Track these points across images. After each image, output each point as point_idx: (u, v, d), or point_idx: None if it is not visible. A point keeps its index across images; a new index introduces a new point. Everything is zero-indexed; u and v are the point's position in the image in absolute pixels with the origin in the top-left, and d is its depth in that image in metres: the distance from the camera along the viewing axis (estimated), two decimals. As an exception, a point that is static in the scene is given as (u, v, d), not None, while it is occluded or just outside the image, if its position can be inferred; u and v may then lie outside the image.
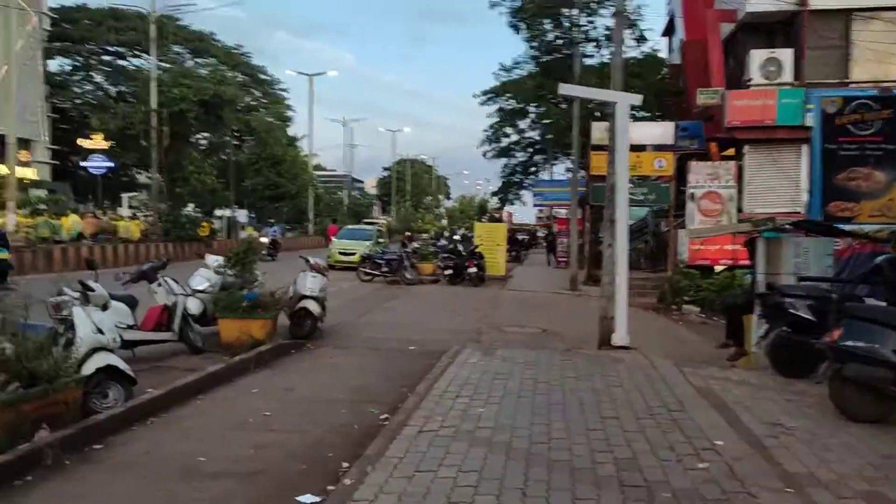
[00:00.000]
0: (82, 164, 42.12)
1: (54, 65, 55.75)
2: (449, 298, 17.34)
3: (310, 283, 10.37)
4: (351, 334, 11.09)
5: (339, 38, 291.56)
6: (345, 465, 4.84)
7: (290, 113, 65.80)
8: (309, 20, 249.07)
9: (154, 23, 27.33)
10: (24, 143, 47.25)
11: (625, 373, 7.47)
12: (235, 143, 45.54)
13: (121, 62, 54.85)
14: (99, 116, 31.47)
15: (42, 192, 45.77)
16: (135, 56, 53.53)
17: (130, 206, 39.54)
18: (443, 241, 27.75)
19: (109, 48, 54.87)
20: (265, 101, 62.16)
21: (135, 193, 44.27)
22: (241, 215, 50.82)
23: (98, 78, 56.73)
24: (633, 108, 11.48)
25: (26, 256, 18.40)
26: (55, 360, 5.27)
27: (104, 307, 6.39)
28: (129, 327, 8.20)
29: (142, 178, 45.22)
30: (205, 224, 28.54)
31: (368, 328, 11.94)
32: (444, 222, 70.16)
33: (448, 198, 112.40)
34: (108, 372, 6.07)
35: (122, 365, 6.15)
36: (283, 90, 67.73)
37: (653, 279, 17.92)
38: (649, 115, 24.70)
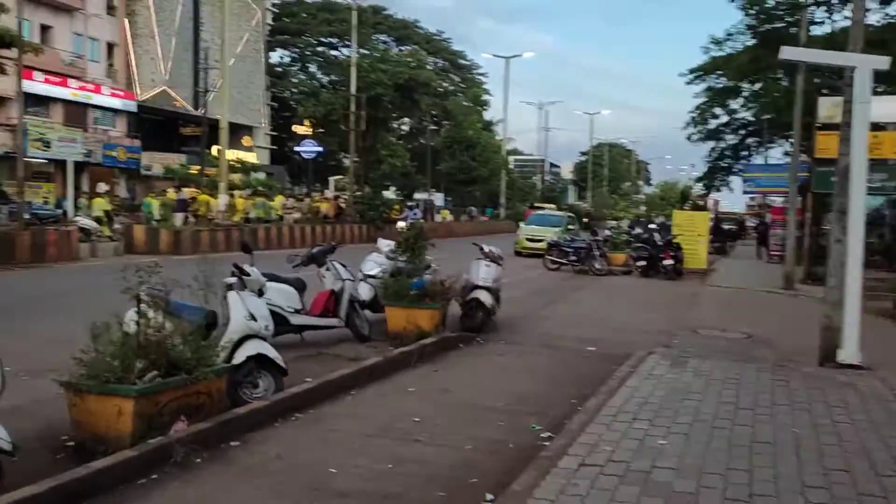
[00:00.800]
0: (296, 148, 45.27)
1: (275, 57, 60.64)
2: (640, 292, 15.96)
3: (483, 273, 9.71)
4: (526, 329, 10.30)
5: (541, 21, 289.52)
6: (488, 497, 4.07)
7: (486, 97, 66.37)
8: (512, 5, 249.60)
9: (355, 10, 28.29)
10: (248, 130, 51.93)
11: (857, 403, 5.96)
12: (433, 127, 46.46)
13: (333, 52, 58.26)
14: (305, 103, 33.26)
15: (261, 175, 49.97)
16: (345, 46, 56.35)
17: (336, 189, 41.69)
18: (638, 230, 26.03)
19: (323, 39, 58.50)
20: (463, 85, 62.99)
21: (340, 176, 46.72)
22: (438, 198, 52.03)
23: (312, 68, 60.67)
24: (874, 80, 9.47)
25: (233, 234, 19.69)
26: (199, 347, 5.01)
27: (260, 293, 6.13)
28: (297, 311, 8.03)
29: (347, 161, 47.84)
30: (396, 206, 29.17)
31: (546, 323, 11.08)
32: (642, 209, 66.97)
33: (648, 184, 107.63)
34: (259, 361, 5.80)
35: (272, 354, 5.84)
36: (482, 74, 68.43)
37: (889, 280, 15.22)
38: (891, 89, 21.18)
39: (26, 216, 24.00)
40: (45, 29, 35.05)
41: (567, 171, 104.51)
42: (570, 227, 25.84)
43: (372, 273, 9.66)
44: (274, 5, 58.64)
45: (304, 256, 8.66)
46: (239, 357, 5.69)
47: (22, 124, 32.91)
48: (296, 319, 8.01)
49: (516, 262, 21.74)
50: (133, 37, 39.96)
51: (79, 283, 12.22)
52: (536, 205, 35.37)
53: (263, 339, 5.94)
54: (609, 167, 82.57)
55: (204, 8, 45.30)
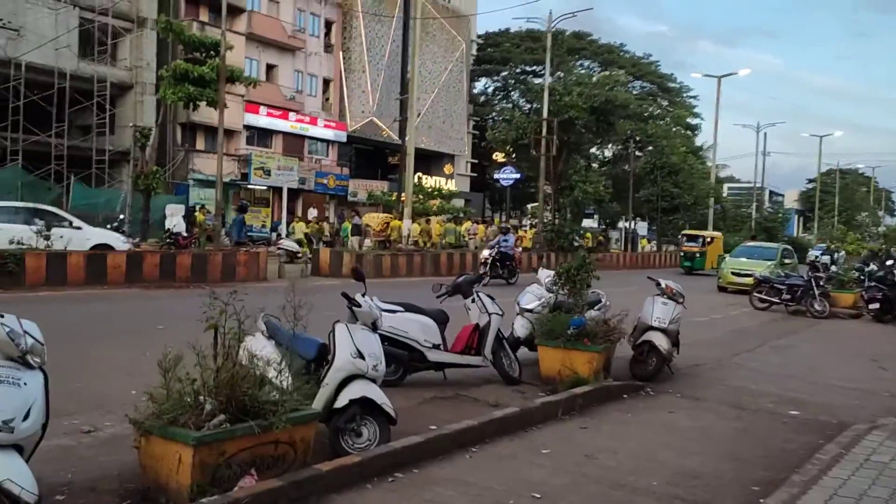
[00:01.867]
0: (495, 176, 45.44)
1: (479, 86, 61.86)
2: (870, 341, 13.30)
3: (658, 311, 8.34)
4: (711, 380, 8.69)
5: (764, 41, 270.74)
6: None
7: (696, 121, 62.44)
8: (735, 24, 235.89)
9: (549, 32, 27.58)
10: (449, 158, 53.22)
11: None
12: (637, 153, 44.33)
13: (537, 80, 58.20)
14: (494, 128, 33.08)
15: (459, 202, 50.78)
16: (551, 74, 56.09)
17: (532, 215, 41.09)
18: (872, 266, 22.36)
19: (527, 68, 58.65)
20: (671, 109, 59.81)
21: (535, 204, 46.12)
22: (641, 227, 49.40)
23: (515, 95, 60.98)
24: None
25: (415, 259, 19.63)
26: (282, 388, 4.37)
27: (374, 326, 5.42)
28: (435, 346, 7.26)
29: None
30: (588, 235, 27.76)
31: (740, 373, 9.32)
32: (880, 243, 58.83)
33: (892, 215, 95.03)
34: (365, 405, 5.06)
35: (380, 398, 5.08)
36: (693, 97, 64.60)
37: None
38: None
39: (240, 238, 25.95)
40: (270, 68, 38.31)
41: (791, 200, 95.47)
42: (785, 260, 22.84)
43: (529, 307, 8.67)
44: (479, 37, 59.93)
45: (450, 286, 7.89)
46: (341, 400, 4.99)
47: (247, 154, 36.21)
48: (434, 356, 7.25)
49: (717, 299, 19.50)
50: (346, 72, 42.50)
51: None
52: (686, 233, 32.70)
53: (372, 380, 5.20)
54: (841, 195, 73.81)
55: (412, 43, 47.15)
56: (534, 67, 57.72)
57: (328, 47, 41.87)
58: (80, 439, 5.15)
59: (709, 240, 31.17)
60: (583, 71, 42.22)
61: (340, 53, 42.35)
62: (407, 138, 23.43)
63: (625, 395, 7.47)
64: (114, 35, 31.63)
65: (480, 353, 7.49)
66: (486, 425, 5.67)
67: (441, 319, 7.44)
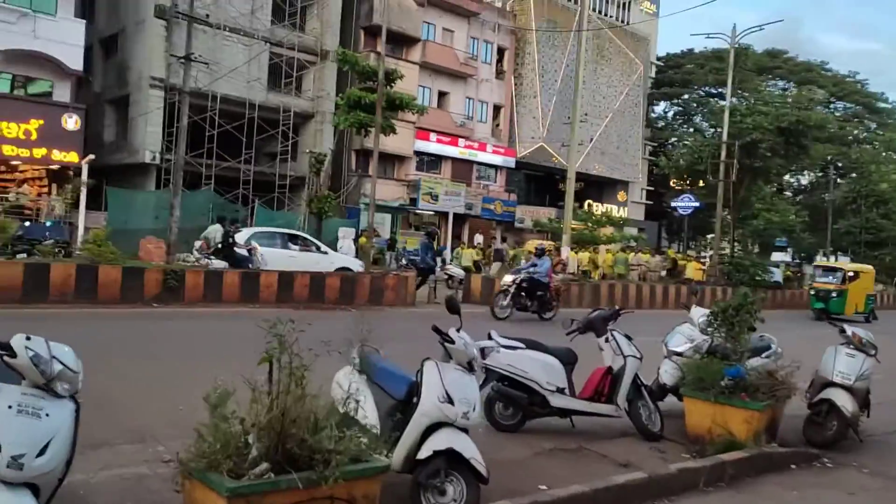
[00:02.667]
0: (672, 204, 43.03)
1: (659, 110, 59.29)
2: None
3: (841, 365, 6.87)
4: (913, 454, 7.01)
5: None
6: None
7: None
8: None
9: (732, 46, 25.42)
10: (623, 185, 51.24)
11: None
12: (839, 179, 40.09)
13: (722, 102, 54.72)
14: (668, 153, 31.07)
15: (633, 231, 48.57)
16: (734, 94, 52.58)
17: (709, 247, 38.26)
18: None
19: (712, 90, 55.38)
20: (880, 132, 53.67)
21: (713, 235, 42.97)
22: (844, 262, 44.26)
23: (697, 119, 57.76)
24: None
25: (570, 289, 18.61)
26: (335, 435, 3.77)
27: (470, 366, 4.71)
28: (559, 390, 6.38)
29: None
30: (789, 270, 25.08)
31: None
32: None
33: None
34: (452, 459, 4.35)
35: (469, 452, 4.34)
36: (908, 119, 57.53)
37: None
38: None
39: (403, 262, 26.23)
40: (441, 95, 39.00)
41: None
42: None
43: (678, 349, 7.51)
44: (659, 59, 57.54)
45: (581, 322, 6.96)
46: (425, 451, 4.32)
47: (416, 180, 36.95)
48: (557, 401, 6.37)
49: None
50: (517, 97, 42.32)
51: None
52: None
53: (463, 429, 4.48)
54: None
55: (585, 67, 46.13)
56: (719, 90, 54.38)
57: (500, 74, 41.95)
58: (145, 469, 4.87)
59: (851, 275, 23.35)
60: (776, 91, 38.71)
61: (512, 79, 42.27)
62: (569, 163, 22.46)
63: (792, 466, 6.13)
64: (299, 68, 33.70)
65: (612, 401, 6.50)
66: (601, 493, 4.73)
67: (568, 360, 6.55)
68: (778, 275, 26.43)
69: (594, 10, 47.38)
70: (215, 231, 16.42)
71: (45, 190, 27.36)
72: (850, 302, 22.97)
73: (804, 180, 52.28)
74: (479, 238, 36.65)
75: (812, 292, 23.84)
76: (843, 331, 7.14)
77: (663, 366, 7.58)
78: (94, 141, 33.91)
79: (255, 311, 12.40)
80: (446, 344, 4.65)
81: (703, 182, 28.07)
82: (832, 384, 6.86)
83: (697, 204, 36.27)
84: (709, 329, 7.26)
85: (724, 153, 24.68)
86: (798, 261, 48.04)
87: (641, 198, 53.88)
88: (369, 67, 26.51)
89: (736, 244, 25.79)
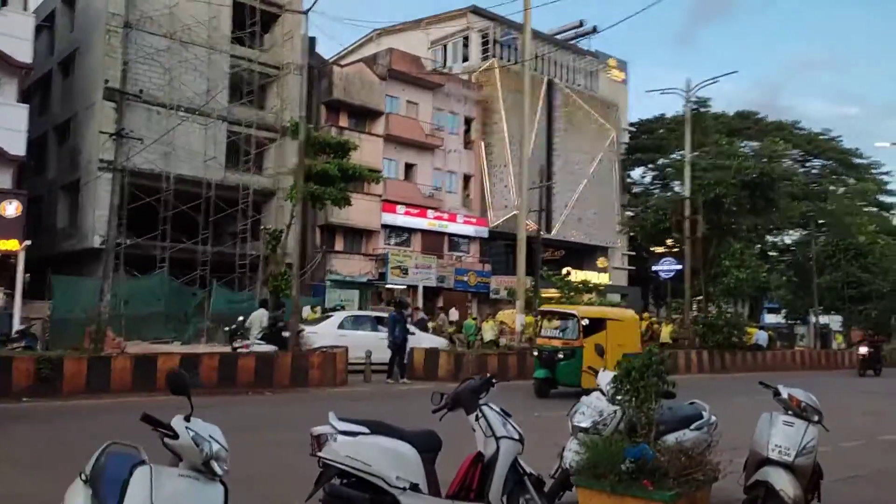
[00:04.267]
0: (654, 268, 41.94)
1: (636, 175, 58.94)
2: None
3: (777, 437, 5.53)
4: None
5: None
6: None
7: (893, 199, 54.97)
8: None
9: (686, 104, 24.81)
10: (603, 251, 50.30)
11: None
12: (820, 235, 39.19)
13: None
14: (633, 213, 30.18)
15: (615, 297, 47.27)
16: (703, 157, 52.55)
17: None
18: None
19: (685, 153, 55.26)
20: (858, 187, 53.23)
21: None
22: (835, 321, 42.69)
23: (675, 183, 57.37)
24: None
25: (529, 359, 17.16)
26: None
27: (209, 469, 3.37)
28: (413, 487, 4.99)
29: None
30: (750, 330, 23.75)
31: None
32: None
33: None
34: None
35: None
36: (885, 174, 57.26)
37: None
38: None
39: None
40: (409, 167, 38.42)
41: None
42: None
43: (584, 425, 6.17)
44: (631, 124, 57.65)
45: (449, 397, 5.62)
46: None
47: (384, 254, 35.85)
48: (409, 501, 4.97)
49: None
50: (488, 166, 41.80)
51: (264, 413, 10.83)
52: None
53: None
54: None
55: (556, 135, 46.01)
56: (694, 153, 54.25)
57: (468, 144, 41.56)
58: None
59: (586, 323, 19.06)
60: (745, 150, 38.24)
61: (483, 148, 41.85)
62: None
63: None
64: (259, 145, 33.12)
65: (484, 499, 5.10)
66: None
67: (427, 446, 5.17)
68: (762, 337, 25.05)
69: (562, 79, 47.59)
70: (260, 316, 16.34)
71: (-13, 281, 26.10)
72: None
73: (788, 239, 51.51)
74: (454, 313, 35.29)
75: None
76: (777, 393, 5.82)
77: (568, 446, 6.21)
78: (48, 229, 32.96)
79: (143, 401, 10.99)
80: (166, 440, 3.33)
81: (671, 241, 27.03)
82: (768, 461, 5.51)
83: (679, 267, 35.21)
84: (617, 398, 5.95)
85: (687, 209, 23.73)
86: (786, 322, 46.69)
87: (623, 263, 52.88)
88: (320, 138, 25.80)
89: (709, 304, 24.47)
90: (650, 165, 57.08)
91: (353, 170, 25.94)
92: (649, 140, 54.69)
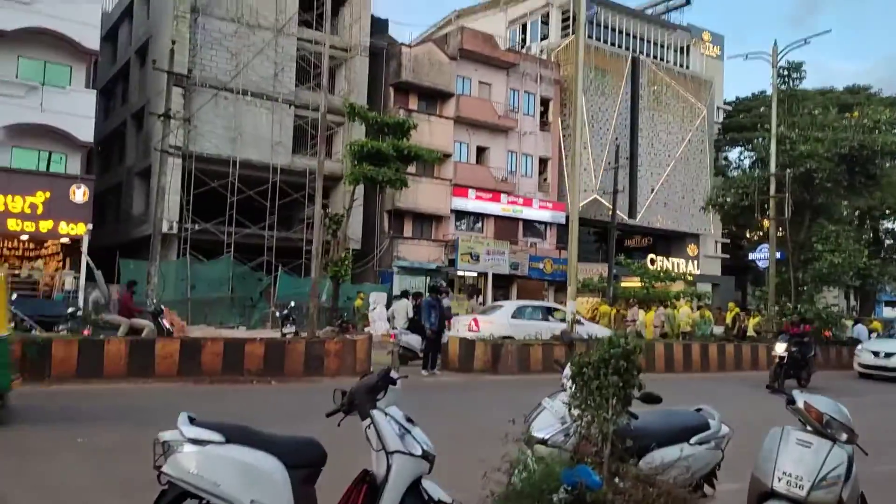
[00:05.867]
0: (751, 256, 38.84)
1: (733, 156, 55.16)
2: None
3: (787, 461, 4.03)
4: None
5: None
6: None
7: None
8: None
9: (775, 68, 22.07)
10: (693, 238, 47.21)
11: None
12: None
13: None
14: (714, 191, 27.58)
15: (706, 287, 44.34)
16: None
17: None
18: None
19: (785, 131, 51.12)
20: None
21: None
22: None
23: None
24: None
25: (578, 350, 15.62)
26: None
27: None
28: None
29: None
30: (846, 322, 21.10)
31: None
32: None
33: None
34: None
35: None
36: None
37: None
38: None
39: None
40: (480, 150, 37.07)
41: None
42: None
43: (543, 436, 4.81)
44: (727, 103, 53.95)
45: (346, 397, 4.38)
46: None
47: (454, 239, 34.74)
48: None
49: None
50: (565, 150, 39.87)
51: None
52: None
53: None
54: None
55: (641, 114, 43.45)
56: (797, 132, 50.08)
57: (545, 125, 39.74)
58: None
59: None
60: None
61: (560, 130, 39.96)
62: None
63: None
64: (326, 129, 32.63)
65: (372, 533, 3.86)
66: None
67: (304, 459, 3.97)
68: (860, 331, 22.26)
69: (650, 55, 44.87)
70: (405, 306, 16.40)
71: (61, 265, 26.83)
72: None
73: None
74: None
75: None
76: (791, 401, 4.26)
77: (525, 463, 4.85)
78: (126, 215, 33.79)
79: (142, 388, 10.32)
80: None
81: (757, 223, 24.46)
82: (773, 494, 3.99)
83: (778, 255, 32.30)
84: (574, 403, 4.55)
85: (773, 187, 21.21)
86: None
87: (716, 251, 49.56)
88: (377, 118, 24.91)
89: (798, 291, 21.76)
90: (747, 146, 53.21)
91: (411, 150, 24.94)
92: (747, 119, 50.88)
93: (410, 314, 16.06)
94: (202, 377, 11.01)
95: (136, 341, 11.08)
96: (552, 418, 4.94)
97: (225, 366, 11.27)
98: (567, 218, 38.82)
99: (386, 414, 4.07)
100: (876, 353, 17.43)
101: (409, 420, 4.12)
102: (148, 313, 14.80)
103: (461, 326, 17.86)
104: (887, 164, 23.74)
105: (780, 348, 14.46)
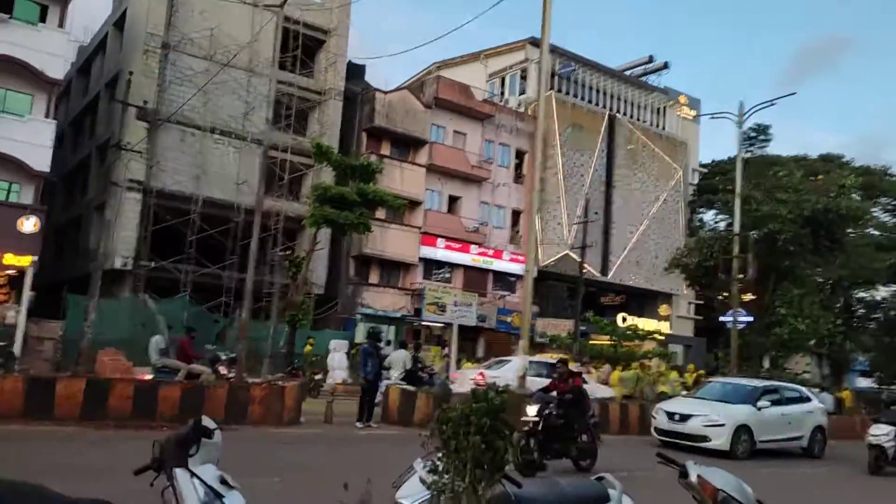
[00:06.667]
0: (721, 318, 38.42)
1: (708, 218, 55.22)
2: None
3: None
4: None
5: None
6: None
7: None
8: None
9: (740, 122, 21.91)
10: (666, 297, 46.81)
11: None
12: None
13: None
14: (678, 252, 27.22)
15: (677, 349, 43.83)
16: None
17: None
18: None
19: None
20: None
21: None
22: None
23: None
24: None
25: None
26: None
27: None
28: None
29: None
30: (846, 394, 20.40)
31: None
32: None
33: None
34: None
35: None
36: None
37: None
38: None
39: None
40: (453, 199, 36.71)
41: None
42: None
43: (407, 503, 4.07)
44: (703, 165, 54.36)
45: (153, 458, 3.63)
46: None
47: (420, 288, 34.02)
48: None
49: None
50: (540, 203, 39.59)
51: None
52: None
53: None
54: None
55: (617, 171, 43.51)
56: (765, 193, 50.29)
57: (519, 178, 39.57)
58: None
59: None
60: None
61: (536, 183, 39.71)
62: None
63: None
64: (295, 171, 32.17)
65: None
66: None
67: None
68: (825, 400, 21.56)
69: (626, 115, 45.21)
70: (402, 357, 16.26)
71: (5, 298, 25.74)
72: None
73: (878, 295, 46.66)
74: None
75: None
76: (683, 474, 3.59)
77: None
78: (82, 249, 32.83)
79: (24, 431, 9.40)
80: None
81: (722, 284, 23.95)
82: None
83: (750, 318, 31.87)
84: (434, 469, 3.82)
85: (736, 247, 20.81)
86: (882, 386, 41.88)
87: (689, 312, 49.21)
88: (343, 160, 24.48)
89: (761, 359, 21.23)
90: (724, 207, 53.41)
91: (376, 194, 24.46)
92: (722, 181, 51.15)
93: (408, 365, 15.84)
94: (107, 421, 10.11)
95: (33, 380, 10.20)
96: (420, 484, 4.22)
97: (136, 410, 10.38)
98: (539, 272, 38.35)
99: (192, 474, 3.34)
100: (671, 416, 14.10)
101: (225, 482, 3.39)
102: (207, 360, 15.48)
103: (466, 381, 17.60)
104: (849, 230, 23.54)
105: (531, 411, 10.05)
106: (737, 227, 20.98)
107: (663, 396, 22.25)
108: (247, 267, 31.65)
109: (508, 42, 44.01)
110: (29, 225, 24.20)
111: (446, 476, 3.57)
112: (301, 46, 31.80)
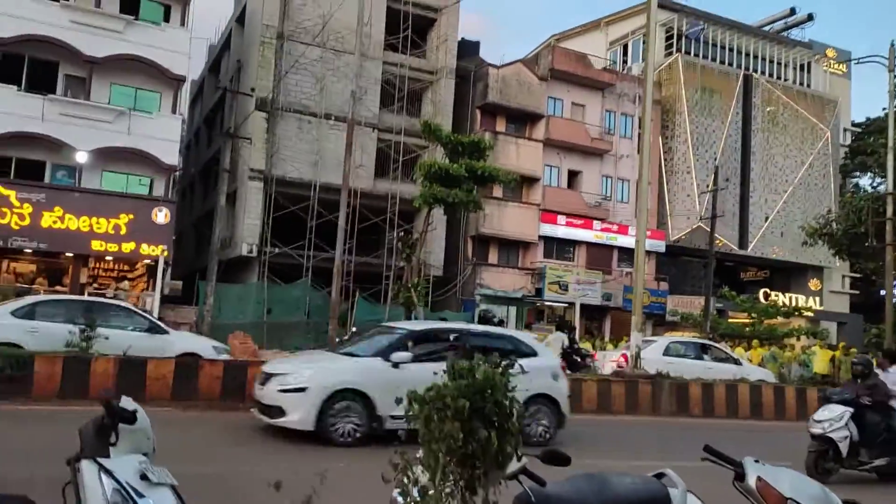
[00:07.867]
0: (882, 292, 34.71)
1: (865, 182, 50.12)
2: None
3: None
4: None
5: None
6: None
7: None
8: None
9: (891, 69, 19.13)
10: (817, 271, 42.80)
11: None
12: None
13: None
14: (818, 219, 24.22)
15: (831, 326, 40.02)
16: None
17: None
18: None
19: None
20: None
21: None
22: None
23: None
24: None
25: (638, 389, 13.55)
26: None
27: None
28: None
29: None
30: None
31: None
32: None
33: None
34: None
35: None
36: None
37: None
38: None
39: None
40: (572, 174, 35.32)
41: None
42: None
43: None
44: (856, 124, 49.26)
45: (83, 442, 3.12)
46: None
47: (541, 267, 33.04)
48: None
49: None
50: (667, 174, 37.36)
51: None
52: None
53: None
54: None
55: (755, 136, 40.20)
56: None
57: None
58: None
59: None
60: None
61: (662, 153, 37.49)
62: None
63: None
64: (409, 153, 32.03)
65: None
66: None
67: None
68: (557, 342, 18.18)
69: (764, 74, 41.63)
70: (560, 338, 16.84)
71: (144, 286, 27.40)
72: None
73: None
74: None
75: None
76: (739, 476, 2.63)
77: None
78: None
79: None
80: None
81: (872, 252, 21.17)
82: None
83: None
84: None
85: (890, 208, 18.19)
86: None
87: (844, 287, 44.86)
88: (451, 137, 23.92)
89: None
90: (882, 172, 48.16)
91: (485, 170, 23.73)
92: (879, 140, 46.06)
93: (566, 345, 16.61)
94: (86, 400, 9.70)
95: (127, 360, 10.34)
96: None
97: (123, 387, 10.12)
98: (668, 247, 36.20)
99: (102, 468, 2.80)
100: (264, 378, 9.25)
101: (145, 478, 2.83)
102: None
103: (608, 363, 17.25)
104: None
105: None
106: (890, 186, 18.40)
107: (817, 378, 20.09)
108: (368, 250, 32.08)
109: (631, 5, 41.61)
110: (161, 216, 25.55)
111: (426, 483, 2.81)
112: (411, 27, 31.55)
